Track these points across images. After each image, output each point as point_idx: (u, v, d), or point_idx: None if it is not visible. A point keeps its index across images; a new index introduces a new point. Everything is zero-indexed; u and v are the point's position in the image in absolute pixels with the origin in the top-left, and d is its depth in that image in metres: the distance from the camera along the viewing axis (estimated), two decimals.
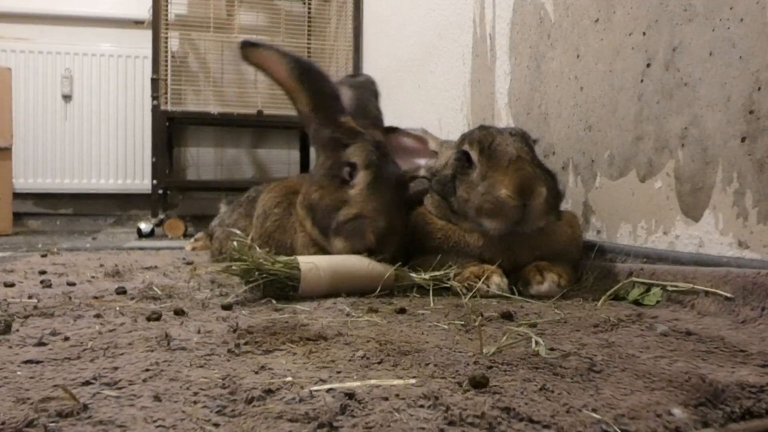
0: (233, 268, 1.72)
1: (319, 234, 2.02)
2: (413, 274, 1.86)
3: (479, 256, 1.90)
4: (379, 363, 1.05)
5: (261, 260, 1.71)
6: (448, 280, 1.84)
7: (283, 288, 1.73)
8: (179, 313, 1.49)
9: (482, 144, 1.87)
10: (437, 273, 1.86)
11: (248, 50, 2.07)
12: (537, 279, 1.79)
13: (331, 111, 2.09)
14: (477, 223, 1.86)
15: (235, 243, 1.79)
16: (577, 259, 2.02)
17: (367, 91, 2.33)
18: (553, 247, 1.90)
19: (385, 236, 1.86)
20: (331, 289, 1.76)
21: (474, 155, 1.88)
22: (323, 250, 2.00)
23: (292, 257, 1.78)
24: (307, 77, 2.08)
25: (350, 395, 0.86)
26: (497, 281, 1.78)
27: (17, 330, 1.30)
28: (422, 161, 2.22)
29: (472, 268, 1.84)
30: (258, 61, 2.09)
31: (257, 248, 1.84)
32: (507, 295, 1.75)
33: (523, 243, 1.87)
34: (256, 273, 1.69)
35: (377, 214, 1.89)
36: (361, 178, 1.96)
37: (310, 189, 2.08)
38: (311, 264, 1.75)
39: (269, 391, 0.87)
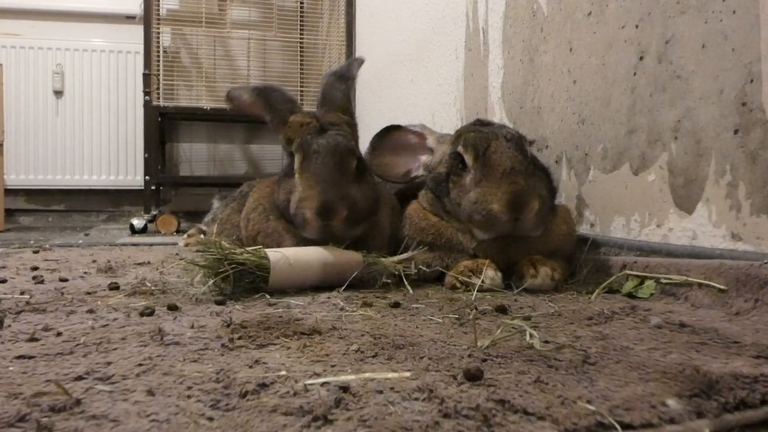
0: (200, 259, 1.72)
1: (293, 229, 2.06)
2: (383, 260, 1.86)
3: (473, 255, 1.90)
4: (373, 357, 1.04)
5: (228, 251, 1.71)
6: (418, 266, 1.87)
7: (254, 280, 1.72)
8: (172, 308, 1.48)
9: (477, 149, 1.85)
10: (403, 256, 1.87)
11: (227, 98, 2.33)
12: (531, 273, 1.78)
13: (282, 114, 2.18)
14: (468, 228, 1.88)
15: (202, 236, 1.80)
16: (571, 253, 2.02)
17: (334, 76, 2.37)
18: (548, 246, 1.90)
19: (325, 207, 1.85)
20: (302, 279, 1.76)
21: (468, 159, 1.87)
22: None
23: (259, 247, 1.79)
24: (263, 95, 2.24)
25: (345, 389, 0.86)
26: (491, 275, 1.78)
27: (9, 326, 1.29)
28: (422, 158, 2.20)
29: (466, 262, 1.85)
30: (235, 104, 2.31)
31: (223, 241, 1.84)
32: (500, 290, 1.75)
33: (518, 244, 1.86)
34: (225, 263, 1.68)
35: (310, 189, 1.90)
36: (296, 164, 2.01)
37: (276, 191, 2.16)
38: (279, 254, 1.75)
39: (263, 385, 0.87)
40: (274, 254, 1.74)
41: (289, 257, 1.75)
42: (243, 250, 1.74)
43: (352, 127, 2.21)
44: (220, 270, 1.68)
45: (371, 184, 2.11)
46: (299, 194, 1.93)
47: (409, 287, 1.72)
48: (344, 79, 2.36)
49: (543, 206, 1.78)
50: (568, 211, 2.07)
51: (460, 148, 1.90)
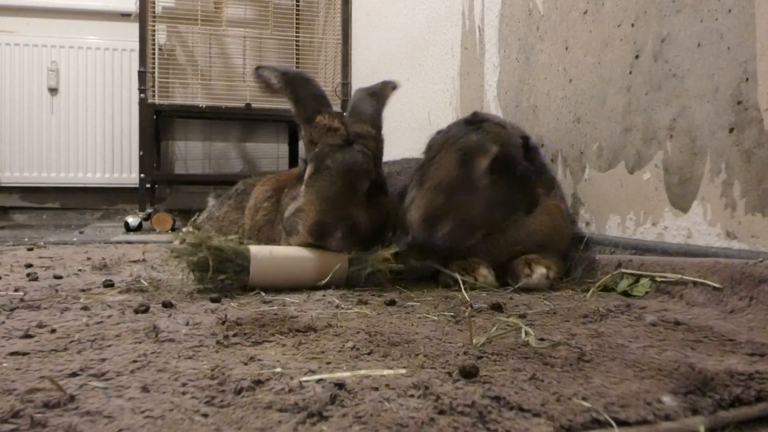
0: (179, 245, 1.70)
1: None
2: (369, 255, 1.83)
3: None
4: (368, 354, 1.04)
5: (205, 236, 1.69)
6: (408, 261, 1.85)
7: (237, 272, 1.71)
8: (167, 305, 1.48)
9: (430, 153, 1.91)
10: (390, 251, 1.82)
11: (257, 74, 2.20)
12: (526, 272, 1.79)
13: (311, 111, 2.10)
14: None
15: (189, 226, 1.78)
16: (564, 249, 2.02)
17: (365, 92, 2.34)
18: (533, 239, 1.90)
19: (321, 227, 1.81)
20: (285, 274, 1.75)
21: (424, 160, 1.94)
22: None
23: (238, 236, 1.80)
24: (292, 84, 2.14)
25: (340, 385, 0.85)
26: (484, 273, 1.78)
27: (3, 322, 1.28)
28: None
29: (458, 261, 1.84)
30: (263, 81, 2.19)
31: (197, 229, 1.82)
32: (493, 288, 1.75)
33: (494, 242, 1.87)
34: (203, 247, 1.66)
35: (311, 206, 1.85)
36: (306, 173, 1.95)
37: (285, 191, 2.13)
38: (260, 246, 1.75)
39: (258, 382, 0.87)
40: (255, 246, 1.75)
41: (270, 249, 1.75)
42: (223, 238, 1.73)
43: (378, 141, 2.13)
44: (199, 255, 1.67)
45: (383, 204, 2.03)
46: (300, 205, 1.89)
47: (397, 283, 1.72)
48: (376, 96, 2.32)
49: (462, 225, 1.78)
50: (557, 206, 2.04)
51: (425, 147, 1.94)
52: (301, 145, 2.21)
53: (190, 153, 6.38)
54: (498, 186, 1.84)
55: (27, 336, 1.16)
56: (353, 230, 1.85)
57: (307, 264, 1.78)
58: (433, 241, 1.77)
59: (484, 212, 1.81)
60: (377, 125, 2.17)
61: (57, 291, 1.72)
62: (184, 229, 1.76)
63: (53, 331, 1.21)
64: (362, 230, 1.87)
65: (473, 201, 1.80)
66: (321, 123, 2.05)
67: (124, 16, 6.06)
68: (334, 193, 1.87)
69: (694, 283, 1.49)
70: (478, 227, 1.82)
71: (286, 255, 1.77)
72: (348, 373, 0.91)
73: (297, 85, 2.15)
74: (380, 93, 2.34)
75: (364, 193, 1.94)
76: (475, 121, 1.95)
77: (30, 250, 3.08)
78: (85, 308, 1.45)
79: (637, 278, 1.67)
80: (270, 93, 2.24)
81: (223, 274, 1.71)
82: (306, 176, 1.94)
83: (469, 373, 0.90)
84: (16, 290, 1.72)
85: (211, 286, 1.71)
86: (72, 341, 1.12)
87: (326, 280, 1.76)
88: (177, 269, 1.76)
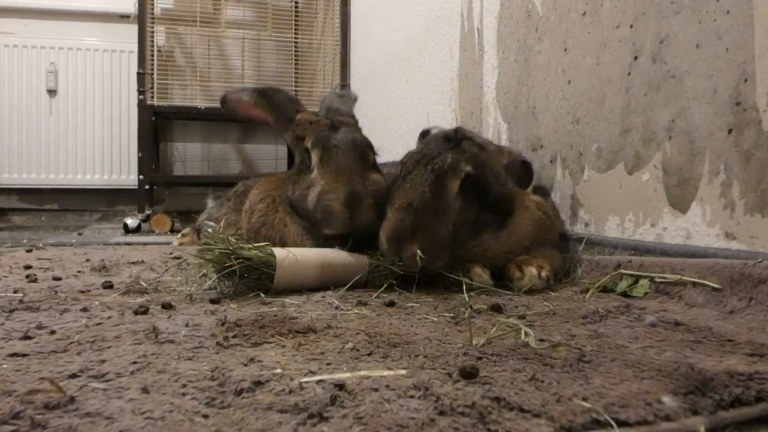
0: (208, 253, 1.71)
1: (309, 226, 2.03)
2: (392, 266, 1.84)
3: None
4: (368, 355, 1.04)
5: (236, 246, 1.69)
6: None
7: (260, 277, 1.71)
8: (167, 306, 1.48)
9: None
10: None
11: (223, 102, 2.33)
12: (517, 275, 1.79)
13: (288, 112, 2.23)
14: None
15: (209, 230, 1.79)
16: (554, 239, 2.02)
17: (334, 94, 2.53)
18: (522, 243, 1.90)
19: (352, 197, 1.85)
20: (308, 279, 1.75)
21: None
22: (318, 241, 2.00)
23: (265, 243, 1.79)
24: (264, 96, 2.27)
25: (340, 386, 0.85)
26: (478, 272, 1.78)
27: (2, 324, 1.28)
28: None
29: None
30: (232, 106, 2.32)
31: (229, 237, 1.82)
32: (489, 287, 1.75)
33: (484, 249, 1.87)
34: (233, 257, 1.66)
35: (336, 182, 1.89)
36: (314, 159, 2.01)
37: (288, 188, 2.15)
38: (286, 252, 1.74)
39: (258, 383, 0.87)
40: (280, 251, 1.73)
41: (296, 255, 1.74)
42: (251, 246, 1.73)
43: (359, 129, 2.21)
44: (227, 264, 1.67)
45: (380, 182, 2.06)
46: (322, 187, 1.92)
47: (413, 288, 1.73)
48: (345, 97, 2.48)
49: (429, 247, 1.72)
50: (532, 201, 2.02)
51: None
52: None
53: (189, 154, 6.38)
54: (468, 208, 1.80)
55: (26, 337, 1.16)
56: (379, 196, 1.90)
57: (331, 269, 1.79)
58: (400, 261, 1.76)
59: (451, 234, 1.77)
60: (354, 118, 2.31)
61: (56, 292, 1.72)
62: (209, 230, 1.76)
63: (53, 332, 1.21)
64: (383, 195, 1.91)
65: (441, 223, 1.76)
66: (303, 119, 2.16)
67: (123, 17, 6.07)
68: (352, 166, 1.94)
69: (694, 284, 1.49)
70: (445, 248, 1.77)
71: (311, 261, 1.77)
72: (348, 374, 0.91)
73: (270, 94, 2.28)
74: (348, 96, 2.55)
75: (372, 166, 2.03)
76: (456, 138, 1.90)
77: (29, 251, 3.08)
78: (84, 309, 1.45)
79: (637, 279, 1.67)
80: (238, 112, 2.33)
81: (247, 279, 1.71)
82: (315, 161, 1.99)
83: (469, 374, 0.90)
84: (15, 292, 1.72)
85: (235, 289, 1.72)
86: (72, 342, 1.12)
87: (348, 285, 1.76)
88: (203, 273, 1.76)
